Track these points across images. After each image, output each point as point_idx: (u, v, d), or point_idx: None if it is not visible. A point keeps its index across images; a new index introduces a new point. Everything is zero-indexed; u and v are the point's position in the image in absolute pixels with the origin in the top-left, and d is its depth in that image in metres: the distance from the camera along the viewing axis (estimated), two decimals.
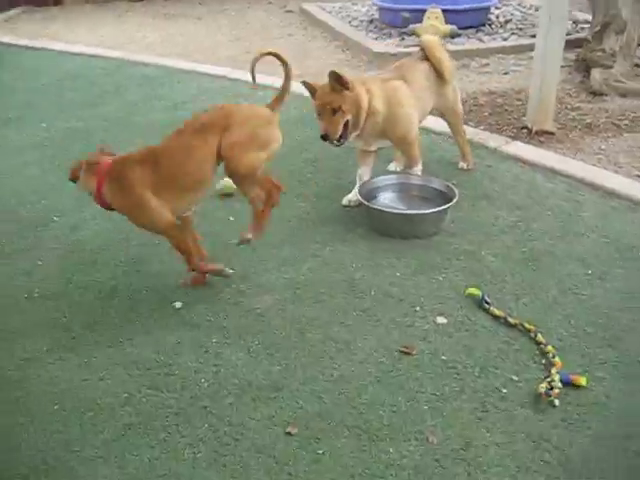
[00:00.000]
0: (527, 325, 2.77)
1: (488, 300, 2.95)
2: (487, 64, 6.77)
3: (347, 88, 3.47)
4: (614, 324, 2.82)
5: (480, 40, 7.41)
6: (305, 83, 3.64)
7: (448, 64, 3.99)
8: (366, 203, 3.64)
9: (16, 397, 2.50)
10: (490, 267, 3.26)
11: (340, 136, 3.52)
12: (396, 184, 3.90)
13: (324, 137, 3.51)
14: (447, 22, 7.38)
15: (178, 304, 3.05)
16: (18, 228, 3.75)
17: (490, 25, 7.91)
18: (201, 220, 3.50)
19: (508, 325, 2.83)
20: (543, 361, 2.62)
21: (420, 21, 7.33)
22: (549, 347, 2.65)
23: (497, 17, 8.18)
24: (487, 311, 2.92)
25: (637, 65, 6.04)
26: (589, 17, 7.36)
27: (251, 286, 3.16)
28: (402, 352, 2.70)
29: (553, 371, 2.51)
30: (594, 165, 4.31)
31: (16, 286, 3.23)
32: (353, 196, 3.88)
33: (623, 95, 5.65)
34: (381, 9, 8.04)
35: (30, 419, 2.39)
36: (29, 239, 3.65)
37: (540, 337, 2.71)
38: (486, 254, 3.37)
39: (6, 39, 8.12)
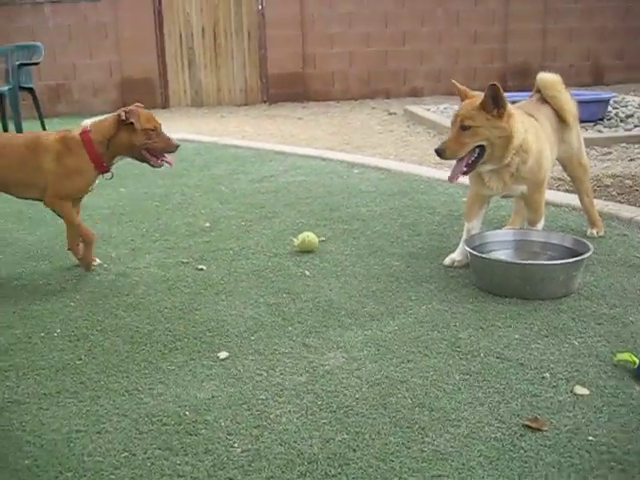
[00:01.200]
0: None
1: None
2: (609, 152, 6.02)
3: (500, 112, 2.82)
4: None
5: (599, 131, 6.72)
6: (456, 85, 3.04)
7: (571, 104, 3.32)
8: (475, 253, 2.89)
9: None
10: None
11: (467, 164, 2.85)
12: (513, 240, 3.14)
13: (438, 152, 2.84)
14: None
15: (223, 354, 2.35)
16: (62, 271, 3.22)
17: (609, 120, 7.22)
18: (274, 275, 3.08)
19: None
20: None
21: None
22: None
23: (616, 114, 7.50)
24: None
25: None
26: None
27: (319, 341, 2.43)
28: (527, 426, 1.85)
29: None
30: None
31: (34, 325, 2.63)
32: (458, 255, 3.14)
33: None
34: None
35: None
36: (70, 282, 3.10)
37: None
38: (635, 320, 2.53)
39: None
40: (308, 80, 10.34)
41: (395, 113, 8.96)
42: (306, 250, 3.39)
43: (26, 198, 3.24)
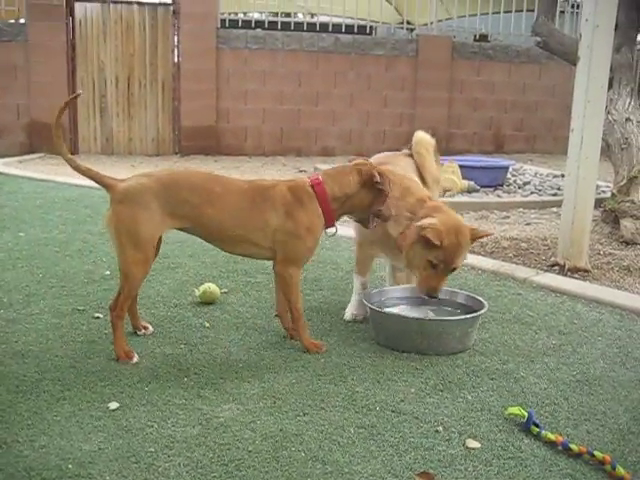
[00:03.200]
0: (599, 454, 1.94)
1: (537, 422, 2.13)
2: (507, 216, 6.30)
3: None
4: None
5: (499, 196, 7.04)
6: None
7: (434, 167, 3.40)
8: (375, 308, 2.92)
9: None
10: (533, 389, 2.48)
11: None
12: (411, 296, 3.19)
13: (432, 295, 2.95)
14: (464, 179, 7.08)
15: (114, 405, 2.26)
16: None
17: (508, 186, 7.59)
18: (173, 325, 3.05)
19: (570, 454, 1.99)
20: None
21: None
22: None
23: (515, 181, 7.90)
24: (538, 436, 2.10)
25: None
26: (605, 183, 7.12)
27: (215, 392, 2.38)
28: None
29: None
30: None
31: None
32: (356, 309, 3.16)
33: None
34: None
35: None
36: None
37: (621, 470, 1.87)
38: (526, 375, 2.61)
39: (13, 172, 7.85)
40: (221, 134, 10.38)
41: (305, 171, 9.08)
42: (207, 301, 3.35)
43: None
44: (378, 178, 2.68)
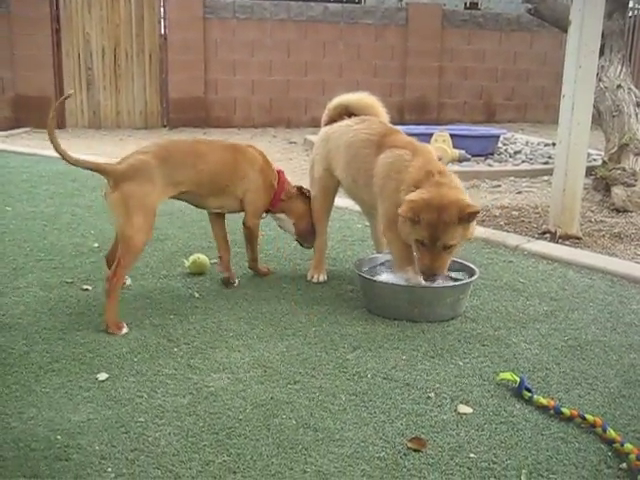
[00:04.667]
0: (590, 417, 1.93)
1: (530, 387, 2.13)
2: (499, 185, 6.27)
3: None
4: None
5: (490, 165, 7.00)
6: None
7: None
8: (365, 276, 2.90)
9: None
10: (525, 354, 2.47)
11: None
12: None
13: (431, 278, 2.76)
14: (455, 148, 7.03)
15: (103, 375, 2.24)
16: None
17: (499, 155, 7.55)
18: (162, 296, 3.02)
19: (562, 418, 1.99)
20: (622, 465, 1.77)
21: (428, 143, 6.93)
22: (628, 445, 1.81)
23: (506, 150, 7.85)
24: (529, 400, 2.09)
25: None
26: (596, 151, 7.09)
27: (205, 362, 2.36)
28: (410, 448, 1.84)
29: None
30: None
31: None
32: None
33: None
34: None
35: None
36: None
37: (612, 432, 1.87)
38: (518, 341, 2.60)
39: None
40: (210, 106, 10.28)
41: (295, 142, 9.02)
42: (197, 272, 3.32)
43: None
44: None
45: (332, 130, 3.24)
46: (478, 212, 2.65)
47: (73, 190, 5.35)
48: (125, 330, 2.61)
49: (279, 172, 3.24)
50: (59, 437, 1.87)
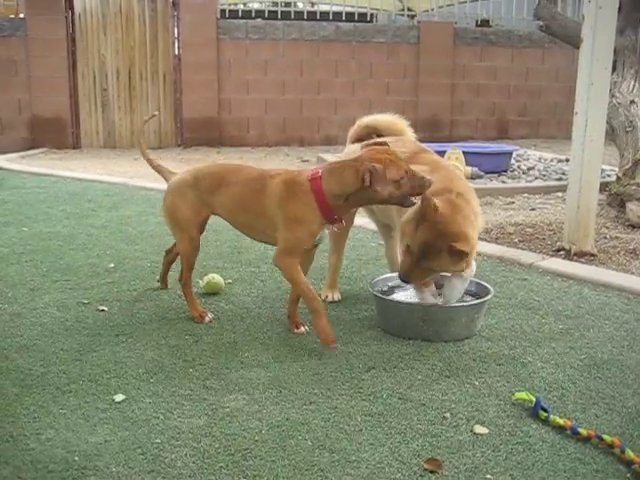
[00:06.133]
0: (608, 437, 1.92)
1: (546, 407, 2.12)
2: (512, 202, 6.26)
3: None
4: None
5: (503, 182, 7.00)
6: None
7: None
8: (380, 295, 2.91)
9: None
10: (540, 373, 2.47)
11: None
12: None
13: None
14: (468, 165, 7.04)
15: (119, 397, 2.26)
16: None
17: (512, 171, 7.55)
18: (178, 316, 3.09)
19: (579, 438, 1.98)
20: None
21: None
22: None
23: (519, 166, 7.85)
24: (546, 420, 2.09)
25: None
26: (610, 167, 7.07)
27: (221, 382, 2.37)
28: (426, 469, 1.84)
29: None
30: None
31: None
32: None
33: None
34: None
35: None
36: None
37: (630, 453, 1.86)
38: (534, 360, 2.59)
39: (16, 167, 7.85)
40: (223, 125, 10.35)
41: (308, 160, 9.05)
42: (212, 292, 3.34)
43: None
44: (367, 181, 2.47)
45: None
46: (465, 253, 2.55)
47: (88, 210, 5.40)
48: (209, 318, 2.98)
49: (313, 180, 2.64)
50: (77, 458, 1.88)
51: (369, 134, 3.32)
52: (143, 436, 2.01)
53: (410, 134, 3.32)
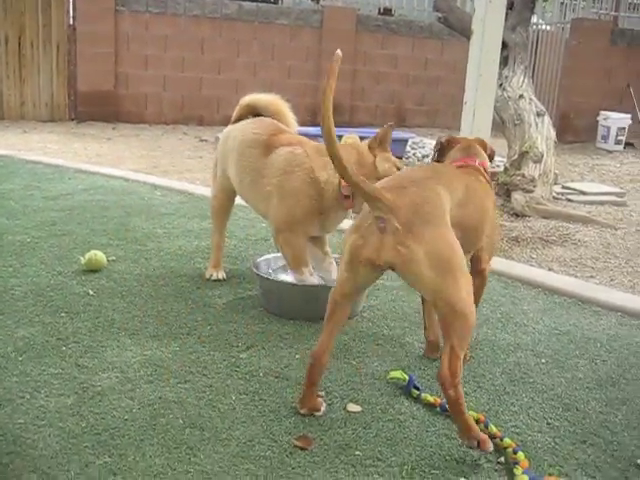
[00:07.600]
0: (474, 414, 1.99)
1: (418, 385, 2.17)
2: None
3: None
4: (585, 418, 2.08)
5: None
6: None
7: None
8: (262, 274, 2.90)
9: None
10: (417, 353, 2.53)
11: None
12: None
13: None
14: None
15: None
16: None
17: (407, 158, 7.71)
18: (55, 294, 2.93)
19: (447, 415, 2.04)
20: (501, 459, 1.83)
21: None
22: (507, 440, 1.87)
23: (414, 154, 8.02)
24: (417, 398, 2.14)
25: (555, 198, 5.89)
26: (499, 158, 7.33)
27: (94, 361, 2.30)
28: (297, 447, 1.85)
29: (517, 472, 1.73)
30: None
31: None
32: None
33: (545, 217, 5.32)
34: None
35: None
36: None
37: (493, 428, 1.93)
38: (412, 340, 2.65)
39: None
40: (120, 101, 10.02)
41: (206, 140, 8.91)
42: (93, 269, 3.23)
43: None
44: None
45: (233, 128, 3.22)
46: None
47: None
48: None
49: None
50: None
51: (249, 113, 3.28)
52: (5, 417, 1.92)
53: (289, 115, 3.30)
